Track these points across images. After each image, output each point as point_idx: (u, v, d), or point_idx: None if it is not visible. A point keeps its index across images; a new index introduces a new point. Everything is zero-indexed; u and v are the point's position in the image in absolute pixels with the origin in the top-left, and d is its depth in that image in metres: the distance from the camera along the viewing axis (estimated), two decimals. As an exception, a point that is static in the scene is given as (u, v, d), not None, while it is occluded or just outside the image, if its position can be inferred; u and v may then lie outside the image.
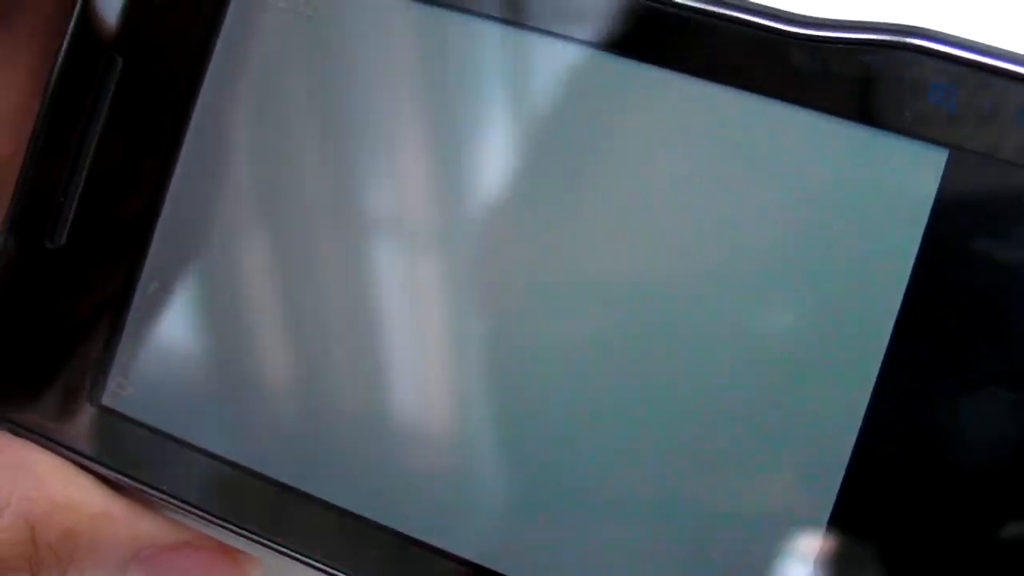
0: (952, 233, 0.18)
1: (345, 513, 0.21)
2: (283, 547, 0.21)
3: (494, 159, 0.20)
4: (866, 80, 0.18)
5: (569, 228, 0.20)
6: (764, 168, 0.19)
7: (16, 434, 0.22)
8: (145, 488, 0.22)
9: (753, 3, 0.19)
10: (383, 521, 0.21)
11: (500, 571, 0.20)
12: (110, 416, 0.22)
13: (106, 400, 0.22)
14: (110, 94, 0.22)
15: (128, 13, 0.22)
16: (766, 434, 0.18)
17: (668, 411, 0.19)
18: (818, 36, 0.18)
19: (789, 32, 0.18)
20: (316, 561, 0.21)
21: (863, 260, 0.18)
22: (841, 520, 0.18)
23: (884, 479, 0.18)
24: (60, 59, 0.22)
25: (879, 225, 0.18)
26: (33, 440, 0.22)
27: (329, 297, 0.21)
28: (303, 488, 0.21)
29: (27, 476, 0.22)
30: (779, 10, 0.19)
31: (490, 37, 0.20)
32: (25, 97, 0.23)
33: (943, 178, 0.18)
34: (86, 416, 0.22)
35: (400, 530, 0.21)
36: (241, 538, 0.22)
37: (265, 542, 0.21)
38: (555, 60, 0.20)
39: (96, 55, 0.22)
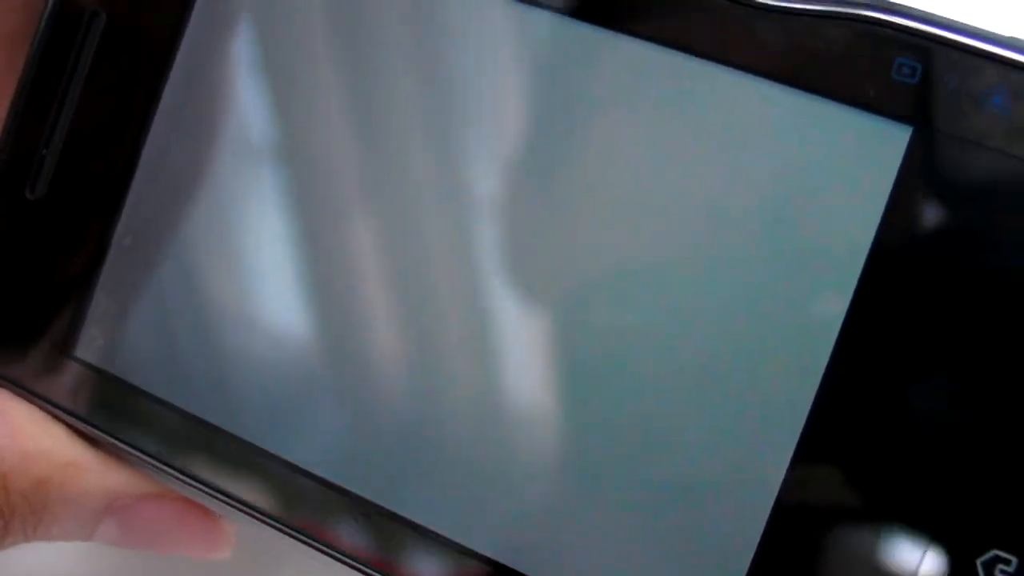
0: (913, 210, 0.18)
1: (317, 479, 0.21)
2: (251, 509, 0.21)
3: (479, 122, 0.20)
4: (830, 53, 0.18)
5: (544, 198, 0.20)
6: (723, 139, 0.19)
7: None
8: (116, 441, 0.22)
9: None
10: (354, 488, 0.21)
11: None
12: (83, 368, 0.23)
13: (80, 352, 0.23)
14: (93, 49, 0.23)
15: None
16: (725, 404, 0.18)
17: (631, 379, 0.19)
18: (783, 7, 0.18)
19: (755, 2, 0.18)
20: (287, 526, 0.21)
21: (824, 234, 0.18)
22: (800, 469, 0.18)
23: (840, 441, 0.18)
24: (45, 15, 0.23)
25: (841, 200, 0.18)
26: (7, 389, 0.23)
27: (308, 250, 0.22)
28: (275, 450, 0.21)
29: (2, 421, 0.22)
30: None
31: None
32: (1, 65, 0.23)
33: (905, 156, 0.18)
34: (60, 367, 0.23)
35: (372, 500, 0.21)
36: (209, 497, 0.22)
37: (232, 503, 0.22)
38: (527, 24, 0.20)
39: (80, 11, 0.23)
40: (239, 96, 0.22)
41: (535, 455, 0.20)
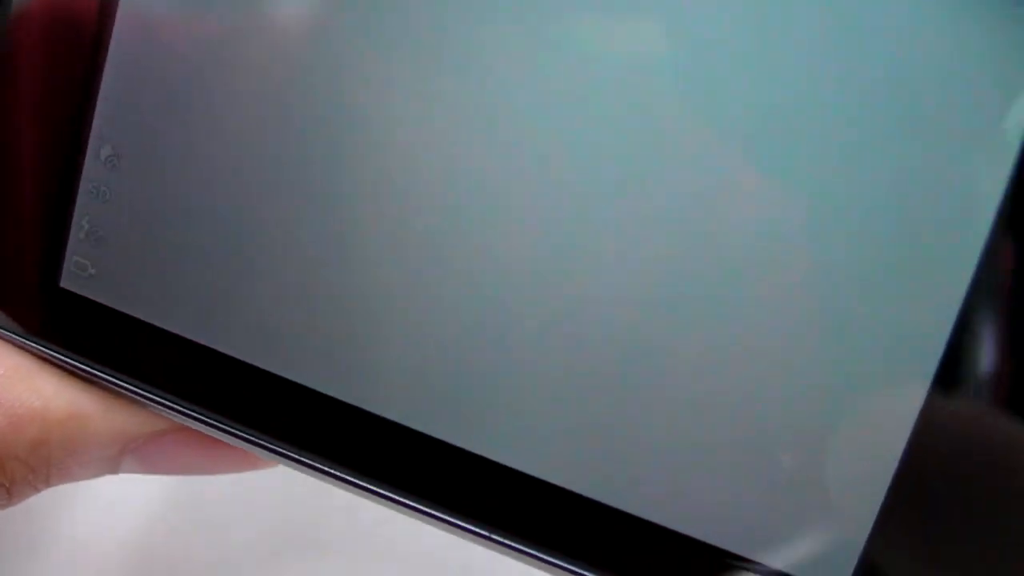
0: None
1: (322, 397, 0.18)
2: (262, 439, 0.19)
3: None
4: None
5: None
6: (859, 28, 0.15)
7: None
8: (113, 379, 0.19)
9: None
10: (361, 404, 0.18)
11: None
12: (70, 300, 0.19)
13: (65, 282, 0.19)
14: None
15: None
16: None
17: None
18: None
19: None
20: (297, 455, 0.19)
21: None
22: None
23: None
24: None
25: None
26: (-10, 332, 0.20)
27: (292, 165, 0.18)
28: (279, 372, 0.18)
29: None
30: None
31: None
32: None
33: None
34: (44, 302, 0.19)
35: (374, 412, 0.18)
36: (219, 431, 0.19)
37: (246, 434, 0.19)
38: None
39: None
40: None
41: (647, 393, 0.17)
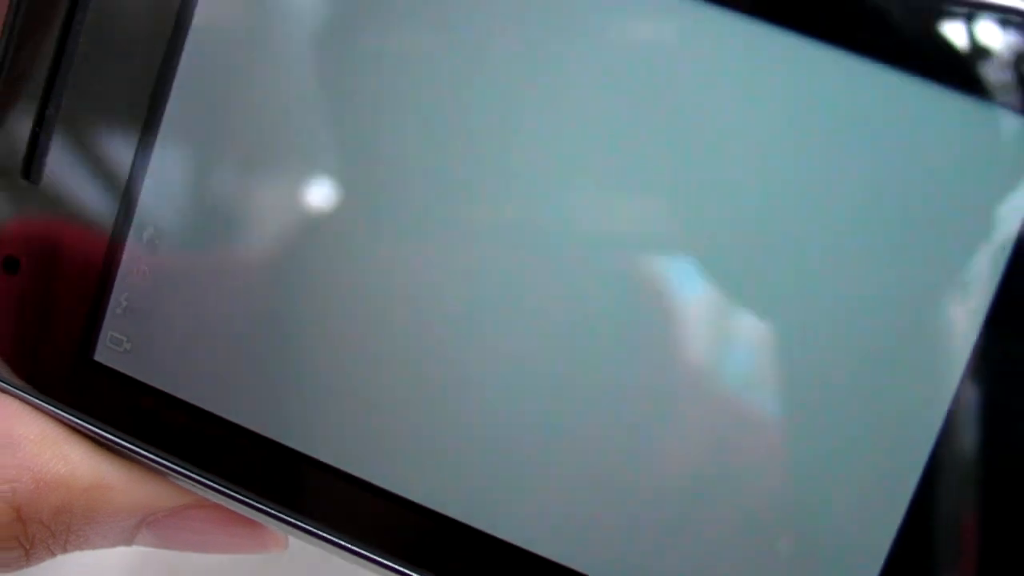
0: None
1: (348, 477, 0.19)
2: (290, 517, 0.20)
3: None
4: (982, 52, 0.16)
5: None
6: (861, 129, 0.16)
7: (3, 391, 0.20)
8: (141, 452, 0.20)
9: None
10: (385, 485, 0.19)
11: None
12: (103, 373, 0.20)
13: (99, 355, 0.20)
14: (89, 8, 0.20)
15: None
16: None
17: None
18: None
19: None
20: (324, 531, 0.19)
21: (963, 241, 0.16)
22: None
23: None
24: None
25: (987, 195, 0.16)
26: (22, 400, 0.20)
27: (334, 255, 0.19)
28: (311, 453, 0.19)
29: (12, 454, 0.20)
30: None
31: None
32: None
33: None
34: (77, 374, 0.20)
35: (400, 493, 0.19)
36: (246, 506, 0.20)
37: (273, 510, 0.20)
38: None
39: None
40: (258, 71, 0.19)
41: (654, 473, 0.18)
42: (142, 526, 0.21)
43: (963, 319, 0.16)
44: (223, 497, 0.20)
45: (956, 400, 0.16)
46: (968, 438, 0.16)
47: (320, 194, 0.19)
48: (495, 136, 0.18)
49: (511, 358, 0.18)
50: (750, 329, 0.17)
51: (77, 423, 0.20)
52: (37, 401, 0.20)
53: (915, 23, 0.16)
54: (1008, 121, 0.16)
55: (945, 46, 0.16)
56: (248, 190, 0.19)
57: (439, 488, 0.19)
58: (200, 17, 0.19)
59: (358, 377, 0.19)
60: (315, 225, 0.19)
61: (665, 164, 0.17)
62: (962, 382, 0.16)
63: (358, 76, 0.19)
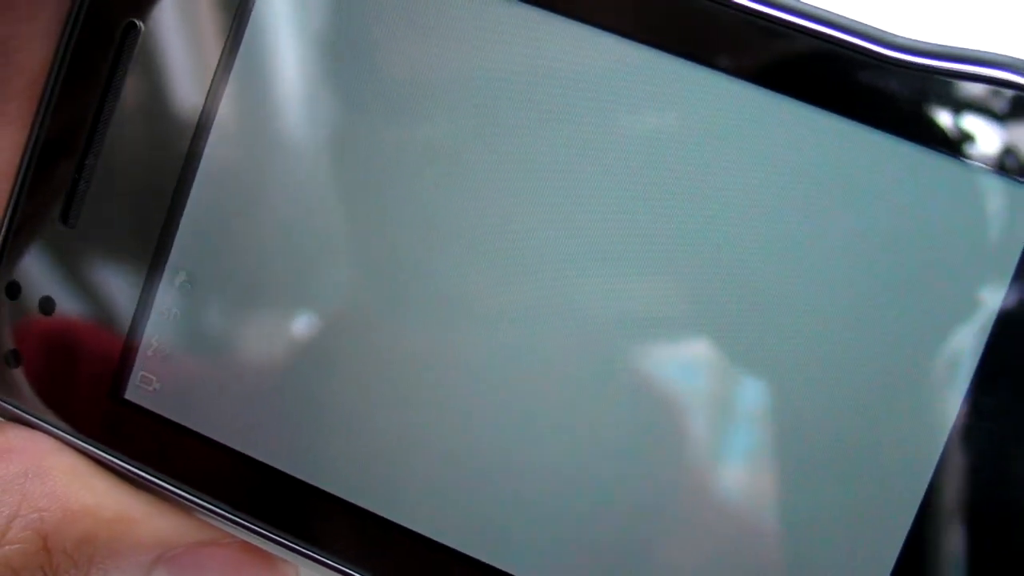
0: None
1: (372, 516, 0.20)
2: (312, 552, 0.21)
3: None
4: (965, 114, 0.17)
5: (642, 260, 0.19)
6: (851, 196, 0.18)
7: (35, 427, 0.21)
8: (166, 486, 0.21)
9: (856, 23, 0.18)
10: (409, 525, 0.20)
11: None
12: (132, 411, 0.21)
13: (129, 395, 0.21)
14: (129, 65, 0.20)
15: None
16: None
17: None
18: (917, 63, 0.17)
19: (884, 56, 0.17)
20: (347, 567, 0.20)
21: (949, 300, 0.18)
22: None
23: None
24: (74, 26, 0.20)
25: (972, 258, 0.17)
26: (52, 435, 0.21)
27: (364, 298, 0.20)
28: (336, 492, 0.20)
29: (41, 484, 0.21)
30: (879, 31, 0.17)
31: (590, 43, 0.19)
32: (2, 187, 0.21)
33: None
34: (108, 411, 0.21)
35: (426, 534, 0.20)
36: (266, 540, 0.21)
37: (294, 545, 0.21)
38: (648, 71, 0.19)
39: (114, 20, 0.20)
40: (291, 122, 0.20)
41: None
42: (159, 563, 0.22)
43: (949, 382, 0.18)
44: (244, 531, 0.21)
45: (939, 468, 0.18)
46: (953, 500, 0.18)
47: (347, 261, 0.20)
48: (503, 231, 0.19)
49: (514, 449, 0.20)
50: (745, 391, 0.19)
51: (105, 457, 0.21)
52: (67, 436, 0.21)
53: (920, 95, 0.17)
54: (996, 186, 0.17)
55: (942, 116, 0.17)
56: (279, 241, 0.20)
57: (464, 529, 0.20)
58: (234, 84, 0.20)
59: (382, 418, 0.20)
60: (340, 288, 0.20)
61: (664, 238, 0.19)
62: (945, 452, 0.18)
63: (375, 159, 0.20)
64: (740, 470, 0.19)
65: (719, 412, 0.19)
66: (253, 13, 0.20)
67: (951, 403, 0.18)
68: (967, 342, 0.17)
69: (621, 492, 0.19)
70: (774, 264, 0.18)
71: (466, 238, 0.19)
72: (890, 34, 0.17)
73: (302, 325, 0.21)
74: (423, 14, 0.19)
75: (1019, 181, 0.17)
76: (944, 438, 0.18)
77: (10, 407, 0.21)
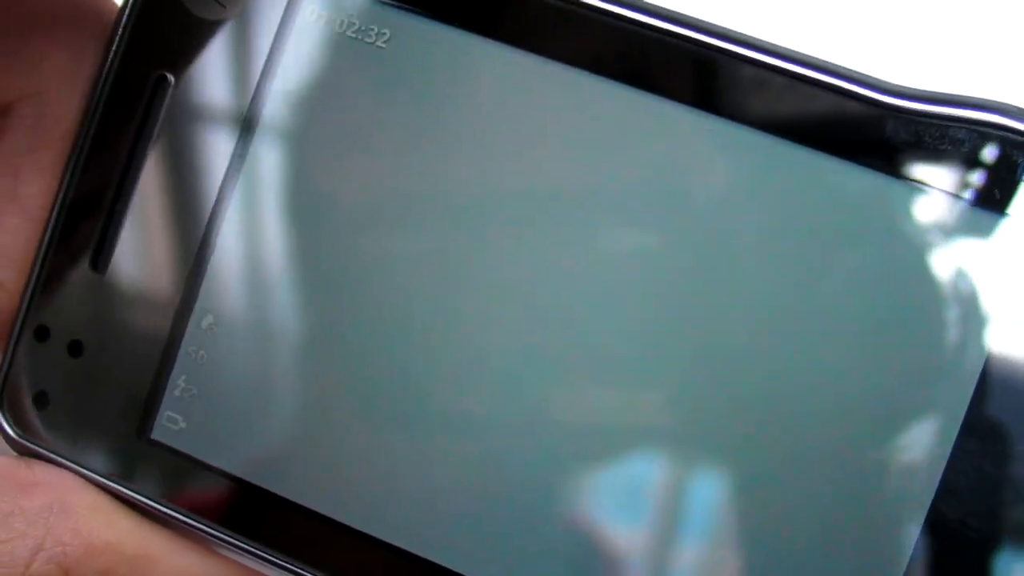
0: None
1: (401, 553, 0.21)
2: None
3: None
4: (962, 157, 0.18)
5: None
6: (847, 233, 0.19)
7: (60, 464, 0.22)
8: (190, 523, 0.21)
9: (846, 69, 0.19)
10: (445, 562, 0.21)
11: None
12: (159, 450, 0.22)
13: (156, 434, 0.22)
14: (161, 117, 0.21)
15: (179, 30, 0.21)
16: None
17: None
18: (910, 109, 0.19)
19: (879, 101, 0.19)
20: None
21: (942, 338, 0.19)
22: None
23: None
24: (106, 77, 0.21)
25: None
26: (77, 472, 0.22)
27: (383, 331, 0.21)
28: (359, 527, 0.21)
29: (66, 519, 0.21)
30: (872, 78, 0.19)
31: (577, 86, 0.20)
32: (34, 233, 0.22)
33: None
34: (134, 450, 0.22)
35: (463, 573, 0.21)
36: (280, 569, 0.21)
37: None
38: (628, 110, 0.20)
39: (146, 73, 0.21)
40: (316, 169, 0.21)
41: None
42: None
43: (937, 430, 0.19)
44: (269, 566, 0.21)
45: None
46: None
47: (371, 304, 0.21)
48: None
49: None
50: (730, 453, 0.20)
51: (129, 495, 0.22)
52: (91, 474, 0.22)
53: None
54: (985, 221, 0.18)
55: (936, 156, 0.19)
56: (300, 288, 0.21)
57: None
58: (262, 133, 0.21)
59: (412, 458, 0.21)
60: (363, 329, 0.21)
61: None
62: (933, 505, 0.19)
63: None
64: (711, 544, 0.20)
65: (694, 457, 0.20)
66: (281, 65, 0.21)
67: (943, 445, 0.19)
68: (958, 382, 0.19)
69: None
70: (769, 304, 0.19)
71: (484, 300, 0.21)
72: (884, 80, 0.19)
73: (325, 367, 0.21)
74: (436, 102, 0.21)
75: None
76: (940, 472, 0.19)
77: (36, 447, 0.22)
